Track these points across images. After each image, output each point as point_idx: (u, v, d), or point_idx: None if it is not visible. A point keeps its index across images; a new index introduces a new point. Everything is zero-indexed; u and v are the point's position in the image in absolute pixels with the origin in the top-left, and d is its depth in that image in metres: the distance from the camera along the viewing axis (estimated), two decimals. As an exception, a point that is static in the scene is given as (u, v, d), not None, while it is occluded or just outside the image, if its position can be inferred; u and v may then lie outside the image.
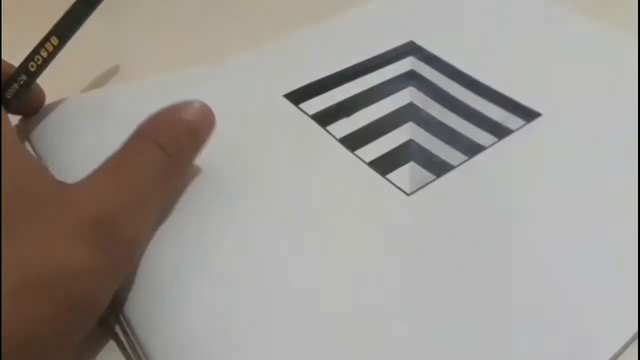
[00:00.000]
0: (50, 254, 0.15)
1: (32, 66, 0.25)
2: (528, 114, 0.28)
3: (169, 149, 0.20)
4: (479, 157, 0.26)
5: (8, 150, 0.16)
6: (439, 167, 0.26)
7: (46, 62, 0.25)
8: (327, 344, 0.19)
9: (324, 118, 0.28)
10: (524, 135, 0.27)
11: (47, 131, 0.27)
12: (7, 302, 0.14)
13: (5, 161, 0.16)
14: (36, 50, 0.25)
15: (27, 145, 0.27)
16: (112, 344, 0.20)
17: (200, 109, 0.22)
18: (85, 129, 0.27)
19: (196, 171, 0.25)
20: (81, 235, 0.16)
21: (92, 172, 0.18)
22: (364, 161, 0.26)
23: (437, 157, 0.26)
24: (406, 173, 0.25)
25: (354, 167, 0.26)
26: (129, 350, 0.20)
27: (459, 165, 0.26)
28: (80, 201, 0.17)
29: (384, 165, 0.26)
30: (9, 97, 0.25)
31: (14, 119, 0.28)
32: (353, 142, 0.27)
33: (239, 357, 0.19)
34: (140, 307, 0.20)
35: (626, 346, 0.19)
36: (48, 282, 0.15)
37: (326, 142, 0.27)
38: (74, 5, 0.25)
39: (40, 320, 0.15)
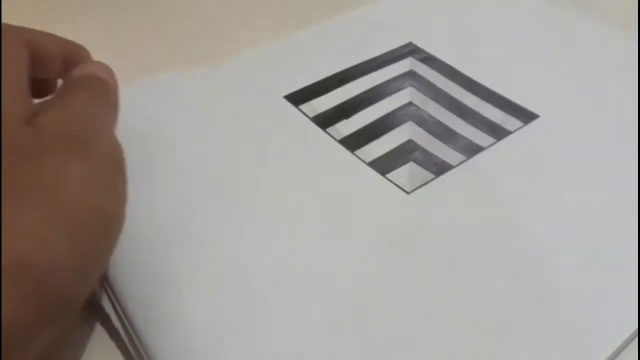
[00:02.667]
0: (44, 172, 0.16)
1: None
2: (526, 116, 0.28)
3: (99, 93, 0.21)
4: (478, 158, 0.26)
5: None
6: (438, 167, 0.26)
7: None
8: (326, 343, 0.19)
9: (324, 119, 0.28)
10: (522, 137, 0.27)
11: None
12: None
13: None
14: None
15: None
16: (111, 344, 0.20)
17: (103, 66, 0.22)
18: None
19: (196, 172, 0.25)
20: (62, 148, 0.16)
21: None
22: (364, 161, 0.26)
23: (436, 156, 0.26)
24: (406, 172, 0.25)
25: (354, 167, 0.26)
26: (130, 350, 0.20)
27: (458, 165, 0.26)
28: (47, 126, 0.17)
29: (384, 165, 0.26)
30: None
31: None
32: (353, 142, 0.27)
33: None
34: (142, 307, 0.20)
35: (626, 344, 0.19)
36: (58, 194, 0.15)
37: (326, 143, 0.27)
38: None
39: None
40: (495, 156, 0.26)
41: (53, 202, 0.15)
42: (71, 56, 0.24)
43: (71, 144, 0.17)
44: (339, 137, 0.27)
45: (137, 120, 0.28)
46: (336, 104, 0.29)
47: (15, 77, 0.19)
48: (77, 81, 0.21)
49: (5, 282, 0.14)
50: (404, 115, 0.29)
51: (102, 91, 0.21)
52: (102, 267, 0.18)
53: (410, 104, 0.29)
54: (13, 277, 0.14)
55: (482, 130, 0.28)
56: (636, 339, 0.20)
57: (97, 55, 0.28)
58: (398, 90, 0.30)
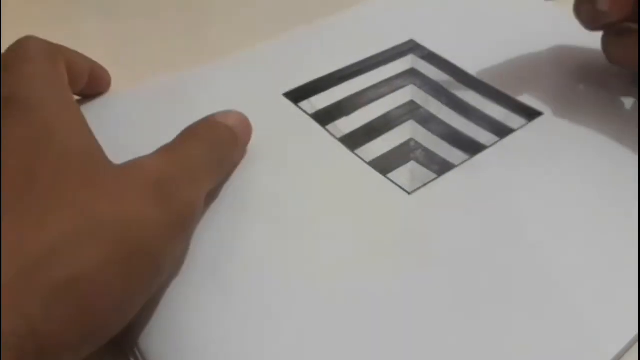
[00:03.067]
0: (118, 205, 0.18)
1: None
2: (529, 113, 0.28)
3: (210, 143, 0.23)
4: (480, 156, 0.26)
5: (82, 128, 0.20)
6: (439, 166, 0.25)
7: None
8: (326, 345, 0.19)
9: (324, 117, 0.28)
10: (525, 135, 0.27)
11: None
12: (82, 242, 0.16)
13: (79, 138, 0.19)
14: None
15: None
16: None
17: (238, 116, 0.25)
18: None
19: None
20: (145, 192, 0.18)
21: (146, 155, 0.21)
22: (364, 160, 0.26)
23: (438, 156, 0.26)
24: (407, 172, 0.25)
25: (354, 166, 0.25)
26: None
27: (460, 164, 0.26)
28: (143, 168, 0.19)
29: (385, 164, 0.25)
30: None
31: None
32: (353, 141, 0.27)
33: None
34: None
35: (626, 349, 0.19)
36: (119, 226, 0.17)
37: (326, 141, 0.27)
38: None
39: (107, 261, 0.17)
40: (498, 154, 0.26)
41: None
42: (95, 75, 0.27)
43: (148, 192, 0.18)
44: (339, 136, 0.27)
45: (136, 120, 0.28)
46: (336, 101, 0.29)
47: None
48: (193, 129, 0.23)
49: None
50: (405, 114, 0.28)
51: (207, 143, 0.22)
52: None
53: (411, 102, 0.29)
54: None
55: (484, 128, 0.27)
56: (636, 345, 0.20)
57: (95, 55, 0.28)
58: (399, 88, 0.30)
